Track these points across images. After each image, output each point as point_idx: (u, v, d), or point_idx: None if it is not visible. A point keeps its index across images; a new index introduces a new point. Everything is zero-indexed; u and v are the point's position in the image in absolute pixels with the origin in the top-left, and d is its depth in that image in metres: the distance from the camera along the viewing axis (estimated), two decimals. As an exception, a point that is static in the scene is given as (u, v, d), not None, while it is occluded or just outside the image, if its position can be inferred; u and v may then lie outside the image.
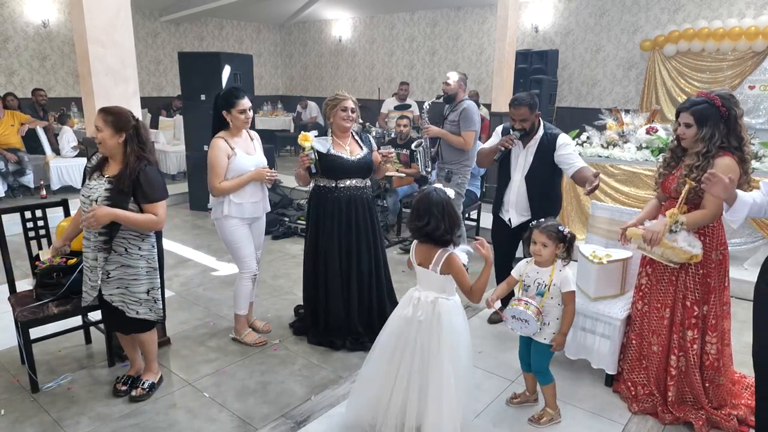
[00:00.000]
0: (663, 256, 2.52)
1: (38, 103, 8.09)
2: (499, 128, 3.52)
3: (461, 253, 2.30)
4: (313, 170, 3.19)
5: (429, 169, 4.57)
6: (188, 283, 4.48)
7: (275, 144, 10.14)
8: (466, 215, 5.44)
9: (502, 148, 3.30)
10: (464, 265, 2.29)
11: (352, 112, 3.25)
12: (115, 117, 2.50)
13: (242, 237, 3.26)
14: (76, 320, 3.09)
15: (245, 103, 3.15)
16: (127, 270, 2.59)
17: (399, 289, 3.65)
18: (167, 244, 5.11)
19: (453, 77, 4.46)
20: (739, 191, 2.20)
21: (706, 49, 7.64)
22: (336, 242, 3.28)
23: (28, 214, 3.11)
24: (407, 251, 5.22)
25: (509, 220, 3.47)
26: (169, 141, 8.87)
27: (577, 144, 5.11)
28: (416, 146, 4.58)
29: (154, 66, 11.19)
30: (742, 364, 2.95)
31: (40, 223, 3.15)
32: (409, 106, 8.38)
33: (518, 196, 3.39)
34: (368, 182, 3.41)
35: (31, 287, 2.96)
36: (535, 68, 8.63)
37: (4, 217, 2.94)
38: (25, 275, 4.00)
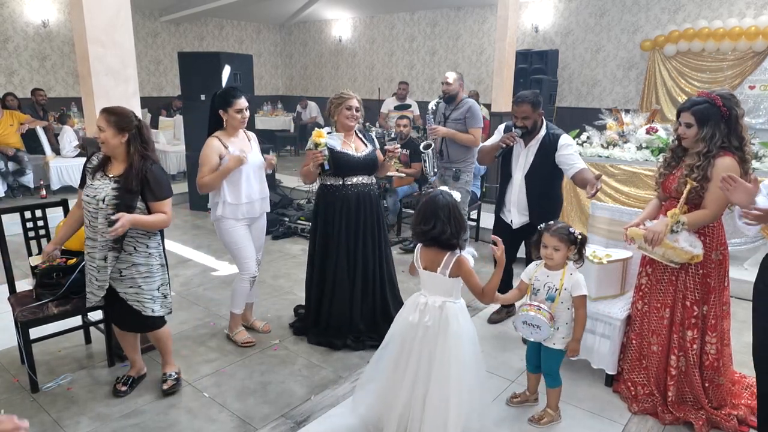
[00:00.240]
0: (664, 257, 2.51)
1: (38, 103, 8.08)
2: (501, 126, 3.52)
3: (468, 255, 2.29)
4: (326, 167, 3.18)
5: (436, 170, 4.52)
6: (188, 283, 4.48)
7: (275, 144, 10.14)
8: (467, 215, 5.43)
9: (503, 145, 3.30)
10: None
11: (357, 111, 3.25)
12: (117, 117, 2.52)
13: (241, 238, 3.25)
14: (76, 320, 3.09)
15: (242, 102, 3.14)
16: (139, 268, 2.63)
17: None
18: (167, 244, 5.10)
19: (452, 77, 4.45)
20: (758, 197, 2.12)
21: (706, 49, 7.63)
22: (344, 240, 3.29)
23: (27, 214, 3.11)
24: (407, 251, 5.26)
25: (511, 221, 3.47)
26: (169, 141, 8.89)
27: (578, 144, 5.11)
28: (425, 148, 4.43)
29: (154, 66, 11.19)
30: (742, 364, 2.95)
31: (40, 223, 3.15)
32: (409, 105, 8.37)
33: (519, 196, 3.40)
34: (374, 179, 3.42)
35: (31, 287, 2.96)
36: (535, 68, 8.62)
37: (4, 217, 2.94)
38: (25, 275, 4.00)
